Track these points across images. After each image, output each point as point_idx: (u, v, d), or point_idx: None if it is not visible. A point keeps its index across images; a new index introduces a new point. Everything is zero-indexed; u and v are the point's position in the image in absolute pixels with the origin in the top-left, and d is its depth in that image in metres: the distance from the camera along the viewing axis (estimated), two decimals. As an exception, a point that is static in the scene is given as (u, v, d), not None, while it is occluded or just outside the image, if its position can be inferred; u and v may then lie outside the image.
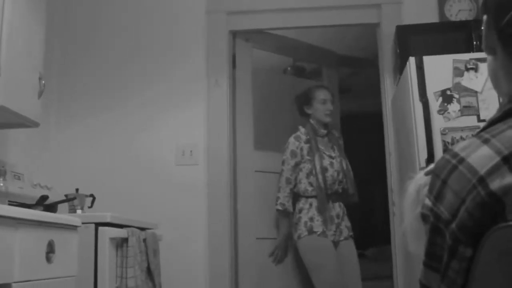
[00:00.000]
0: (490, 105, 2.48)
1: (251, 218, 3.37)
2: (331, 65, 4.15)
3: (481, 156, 0.73)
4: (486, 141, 0.75)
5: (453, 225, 0.74)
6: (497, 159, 0.72)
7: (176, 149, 3.25)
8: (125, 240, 2.37)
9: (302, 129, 3.32)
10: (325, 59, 4.11)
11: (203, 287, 3.11)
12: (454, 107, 2.50)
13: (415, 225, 1.01)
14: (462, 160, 0.76)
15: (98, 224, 2.28)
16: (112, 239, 2.30)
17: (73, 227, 2.14)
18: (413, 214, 1.03)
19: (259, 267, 3.32)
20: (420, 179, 1.04)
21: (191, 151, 3.24)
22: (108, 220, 2.29)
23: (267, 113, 3.62)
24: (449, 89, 2.53)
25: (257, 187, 3.43)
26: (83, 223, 2.22)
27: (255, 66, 3.59)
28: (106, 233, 2.27)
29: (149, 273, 2.55)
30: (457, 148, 0.79)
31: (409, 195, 1.07)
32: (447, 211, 0.75)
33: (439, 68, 2.54)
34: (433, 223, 0.78)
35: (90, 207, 2.83)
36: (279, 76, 3.95)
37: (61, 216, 2.07)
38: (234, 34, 3.48)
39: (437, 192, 0.78)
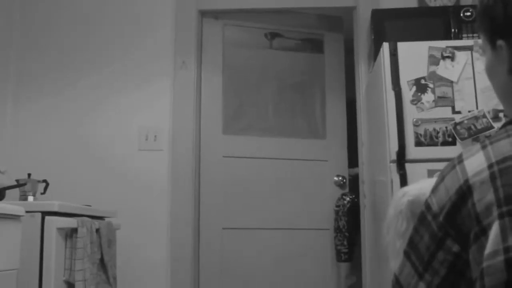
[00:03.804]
0: (465, 96, 2.36)
1: (217, 207, 3.23)
2: (332, 30, 3.60)
3: (475, 161, 0.80)
4: (483, 147, 0.82)
5: (441, 218, 0.81)
6: (484, 165, 0.79)
7: (139, 133, 3.09)
8: (75, 231, 2.22)
9: None
10: (322, 25, 3.59)
11: (163, 277, 2.98)
12: (428, 97, 2.38)
13: (397, 245, 1.11)
14: (460, 162, 0.83)
15: (45, 213, 2.13)
16: (60, 229, 2.14)
17: (16, 217, 1.98)
18: (396, 232, 1.13)
19: (224, 258, 3.19)
20: (400, 199, 1.14)
21: (155, 136, 3.09)
22: (55, 209, 2.13)
23: (240, 94, 3.42)
24: (423, 78, 2.40)
25: (226, 174, 3.28)
26: (28, 212, 2.06)
27: (227, 45, 3.41)
28: (53, 223, 2.11)
29: (103, 265, 2.41)
30: (465, 150, 0.86)
31: (391, 214, 1.16)
32: (437, 203, 0.82)
33: (414, 56, 2.41)
34: (423, 212, 0.85)
35: (43, 193, 2.67)
36: (255, 53, 3.53)
37: (0, 204, 1.90)
38: (203, 14, 3.30)
39: (435, 186, 0.85)
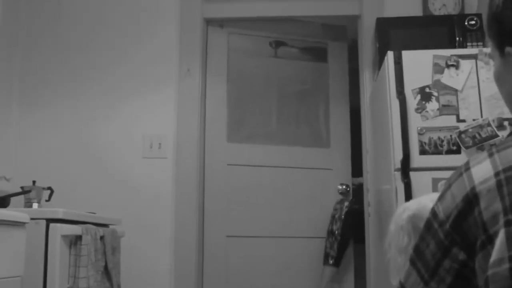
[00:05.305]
0: (470, 105, 2.36)
1: (222, 215, 3.22)
2: (336, 39, 3.61)
3: (481, 169, 0.80)
4: (490, 155, 0.81)
5: (447, 226, 0.80)
6: (491, 173, 0.79)
7: (143, 141, 3.10)
8: (79, 238, 2.22)
9: None
10: (326, 33, 3.59)
11: (167, 285, 2.97)
12: (432, 105, 2.38)
13: (399, 260, 1.10)
14: (467, 169, 0.82)
15: (50, 220, 2.13)
16: (64, 236, 2.14)
17: (20, 224, 1.98)
18: (397, 247, 1.13)
19: (228, 266, 3.18)
20: (400, 215, 1.14)
21: (159, 143, 3.09)
22: (60, 216, 2.13)
23: (244, 102, 3.43)
24: (428, 86, 2.40)
25: (230, 181, 3.28)
26: (33, 219, 2.06)
27: (231, 53, 3.42)
28: (58, 230, 2.11)
29: (107, 272, 2.40)
30: (471, 157, 0.85)
31: (392, 230, 1.16)
32: (443, 211, 0.82)
33: (419, 64, 2.41)
34: (429, 220, 0.85)
35: (48, 200, 2.67)
36: (259, 61, 3.53)
37: (5, 211, 1.91)
38: (208, 22, 3.32)
39: (441, 193, 0.85)
